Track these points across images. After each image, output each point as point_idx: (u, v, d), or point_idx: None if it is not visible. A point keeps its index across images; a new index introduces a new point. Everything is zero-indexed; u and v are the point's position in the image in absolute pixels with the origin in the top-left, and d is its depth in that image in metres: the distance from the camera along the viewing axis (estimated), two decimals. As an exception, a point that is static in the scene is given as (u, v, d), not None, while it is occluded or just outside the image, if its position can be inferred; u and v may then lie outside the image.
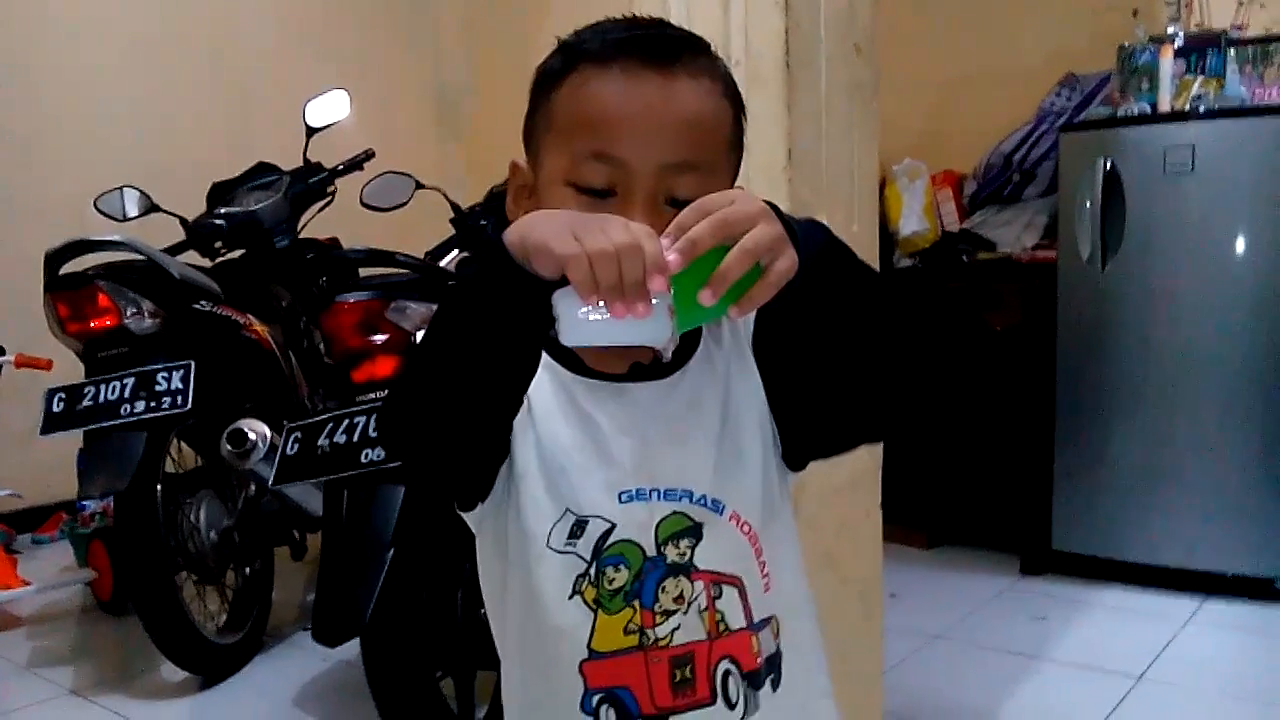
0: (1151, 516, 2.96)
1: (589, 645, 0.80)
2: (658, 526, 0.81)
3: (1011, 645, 2.62)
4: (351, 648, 1.99)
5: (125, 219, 2.81)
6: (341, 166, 2.90)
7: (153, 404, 2.32)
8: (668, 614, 0.80)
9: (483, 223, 2.55)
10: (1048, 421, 3.10)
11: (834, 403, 0.82)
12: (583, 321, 0.69)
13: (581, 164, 0.79)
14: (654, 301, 0.68)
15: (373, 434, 1.89)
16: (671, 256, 0.68)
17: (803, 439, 0.86)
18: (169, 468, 2.54)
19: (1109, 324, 2.99)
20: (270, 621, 2.76)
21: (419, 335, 1.96)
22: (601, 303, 0.68)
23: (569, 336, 0.70)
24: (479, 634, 1.96)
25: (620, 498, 0.81)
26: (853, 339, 0.76)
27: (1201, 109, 2.92)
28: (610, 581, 0.80)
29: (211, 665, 2.52)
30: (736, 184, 0.86)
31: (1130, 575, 2.98)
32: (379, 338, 1.95)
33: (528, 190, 0.86)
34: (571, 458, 0.81)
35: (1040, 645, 2.62)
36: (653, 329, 0.69)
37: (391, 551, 1.85)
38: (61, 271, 2.43)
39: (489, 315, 0.72)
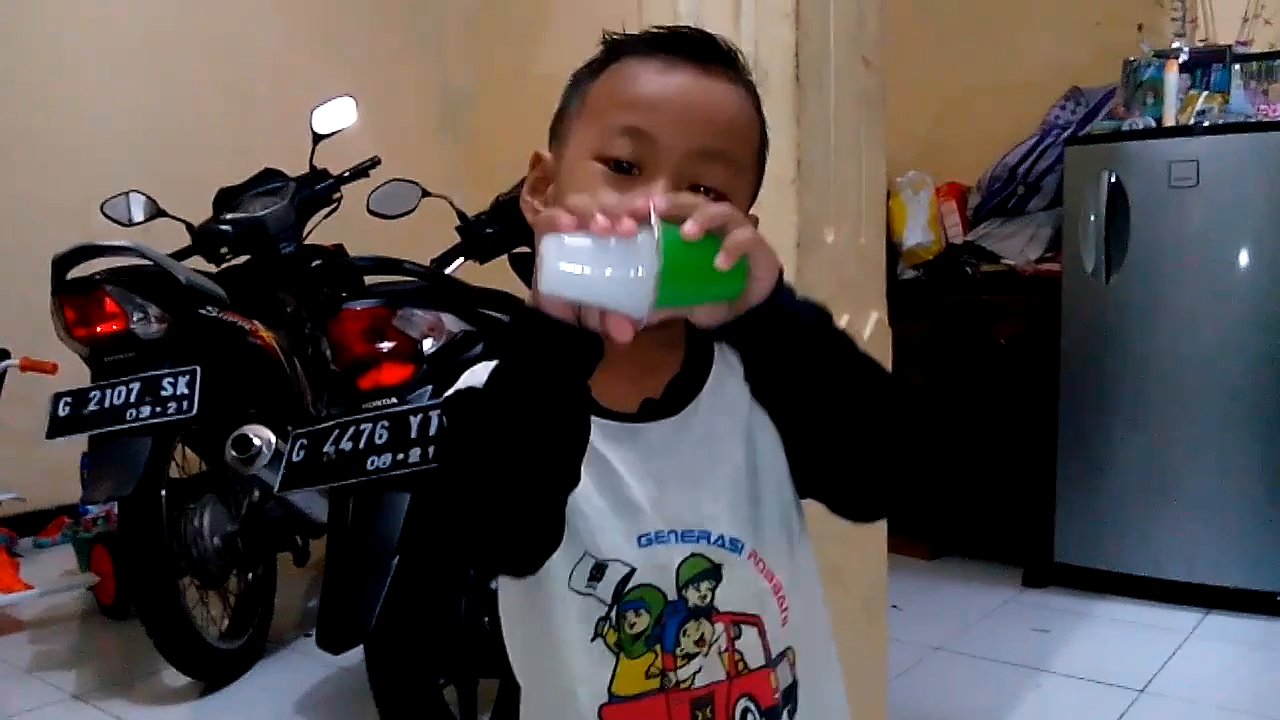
0: (1154, 530, 2.96)
1: (609, 689, 0.79)
2: (678, 569, 0.80)
3: (1014, 657, 2.62)
4: (354, 654, 1.99)
5: (131, 224, 2.82)
6: (348, 173, 2.90)
7: (158, 409, 2.32)
8: (689, 657, 0.80)
9: (489, 230, 2.56)
10: (1051, 434, 3.11)
11: (816, 461, 0.81)
12: (562, 259, 0.65)
13: (611, 138, 0.78)
14: (639, 238, 0.65)
15: (379, 441, 1.89)
16: (658, 199, 0.67)
17: (799, 474, 0.85)
18: (173, 473, 2.55)
19: (1112, 337, 2.99)
20: (273, 627, 2.75)
21: (426, 344, 1.96)
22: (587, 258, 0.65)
23: (547, 275, 0.65)
24: (482, 642, 1.96)
25: (639, 541, 0.80)
26: (841, 409, 0.76)
27: (1206, 124, 2.93)
28: (631, 626, 0.79)
29: (213, 670, 2.52)
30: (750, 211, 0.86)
31: (1133, 588, 2.98)
32: (386, 345, 1.95)
33: (546, 181, 0.85)
34: (589, 501, 0.79)
35: (1042, 657, 2.61)
36: (636, 285, 0.65)
37: (396, 559, 1.85)
38: (68, 276, 2.44)
39: (526, 380, 0.70)
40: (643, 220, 0.66)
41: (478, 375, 0.84)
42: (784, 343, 0.73)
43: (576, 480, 0.74)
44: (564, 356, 0.69)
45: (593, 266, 0.65)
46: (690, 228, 0.66)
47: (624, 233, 0.65)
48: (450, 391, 0.83)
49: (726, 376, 0.85)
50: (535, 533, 0.74)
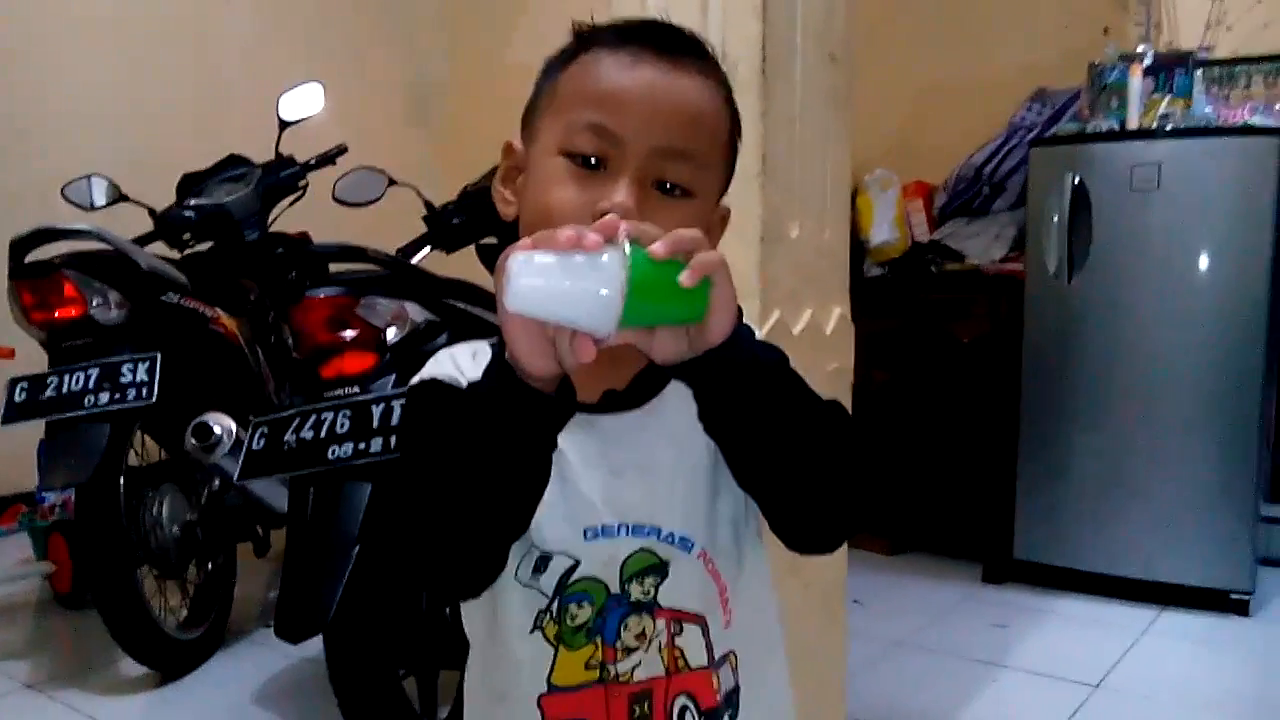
0: (1111, 528, 3.00)
1: (549, 679, 0.80)
2: (623, 564, 0.80)
3: (972, 652, 2.65)
4: (313, 645, 1.98)
5: (92, 208, 2.77)
6: (314, 161, 2.87)
7: (117, 395, 2.29)
8: (629, 651, 0.80)
9: (455, 220, 2.54)
10: (1012, 431, 3.14)
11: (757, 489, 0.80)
12: (528, 275, 0.64)
13: (577, 134, 0.78)
14: (604, 256, 0.65)
15: (340, 430, 1.88)
16: (623, 223, 0.67)
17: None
18: (132, 460, 2.51)
19: (1074, 336, 3.03)
20: (232, 618, 2.73)
21: (389, 333, 1.95)
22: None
23: (513, 292, 0.65)
24: (442, 632, 1.96)
25: (585, 534, 0.80)
26: (783, 447, 0.75)
27: (1169, 127, 2.96)
28: (573, 618, 0.79)
29: (171, 661, 2.50)
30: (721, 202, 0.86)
31: (1090, 585, 3.02)
32: (349, 333, 1.94)
33: (517, 171, 0.85)
34: None
35: (1000, 653, 2.64)
36: (602, 303, 0.65)
37: (356, 549, 1.84)
38: (27, 259, 2.40)
39: (492, 437, 0.70)
40: (609, 240, 0.66)
41: (441, 364, 0.83)
42: (743, 383, 0.72)
43: (525, 528, 0.74)
44: (535, 420, 0.69)
45: (559, 283, 0.65)
46: (659, 248, 0.66)
47: (589, 247, 0.65)
48: (415, 380, 0.82)
49: None
50: (477, 566, 0.75)
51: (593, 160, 0.78)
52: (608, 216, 0.67)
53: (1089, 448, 3.03)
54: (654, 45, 0.80)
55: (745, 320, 0.73)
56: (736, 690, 0.84)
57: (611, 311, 0.65)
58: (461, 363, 0.83)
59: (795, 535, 0.81)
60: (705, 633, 0.82)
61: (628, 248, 0.66)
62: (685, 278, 0.66)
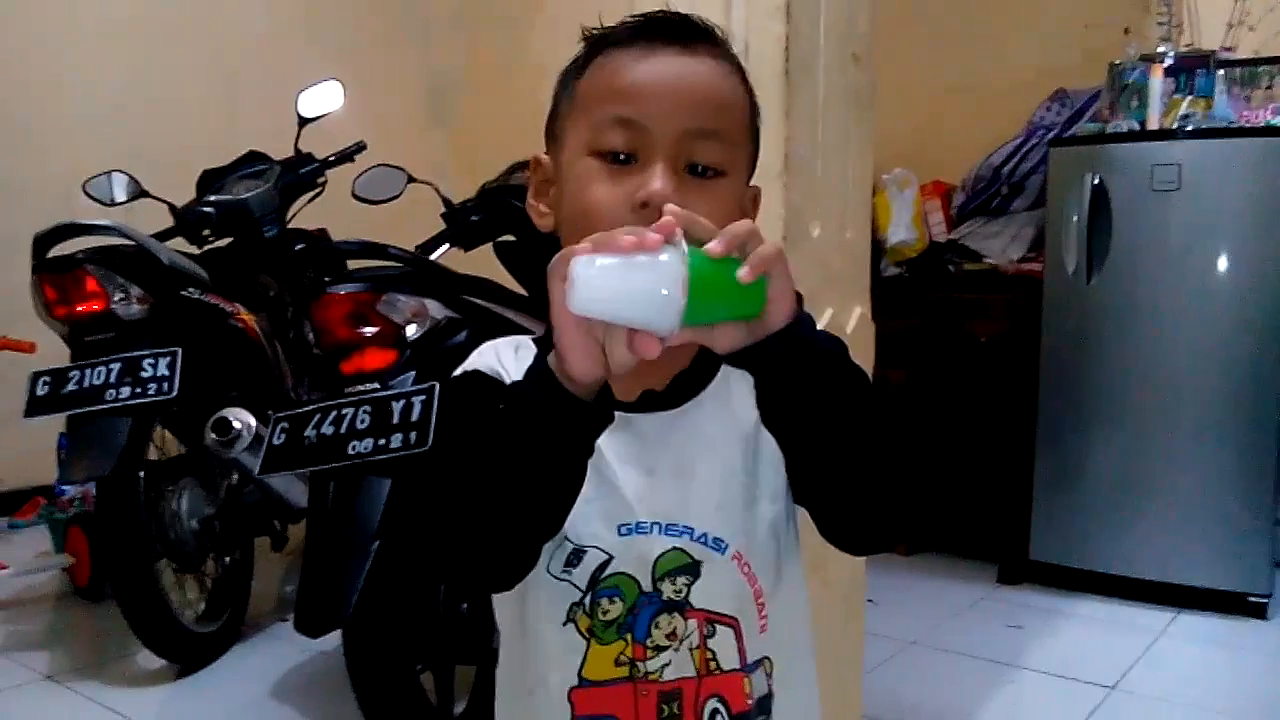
0: (1128, 529, 2.99)
1: (580, 673, 0.80)
2: (655, 562, 0.80)
3: (987, 653, 2.64)
4: (332, 639, 1.99)
5: (113, 203, 2.79)
6: (333, 158, 2.88)
7: (138, 390, 2.31)
8: (659, 649, 0.80)
9: (474, 218, 2.55)
10: (1029, 432, 3.13)
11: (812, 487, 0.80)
12: (593, 278, 0.65)
13: (603, 131, 0.78)
14: (664, 255, 0.65)
15: (360, 426, 1.88)
16: (679, 222, 0.67)
17: (798, 493, 0.84)
18: (152, 454, 2.53)
19: (1092, 337, 3.02)
20: (249, 612, 2.75)
21: (409, 329, 1.96)
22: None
23: (578, 294, 0.65)
24: (460, 628, 1.96)
25: (619, 530, 0.80)
26: (838, 438, 0.74)
27: (1189, 128, 2.95)
28: (604, 613, 0.80)
29: (189, 653, 2.52)
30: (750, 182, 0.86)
31: (1106, 587, 3.01)
32: (369, 330, 1.95)
33: (549, 184, 0.85)
34: None
35: (1016, 653, 2.64)
36: (664, 303, 0.65)
37: (376, 544, 1.85)
38: (49, 254, 2.42)
39: (530, 443, 0.70)
40: (667, 240, 0.66)
41: (485, 356, 0.84)
42: (801, 370, 0.71)
43: (559, 529, 0.75)
44: (573, 426, 0.69)
45: (622, 284, 0.65)
46: (716, 246, 0.66)
47: (650, 247, 0.65)
48: (458, 371, 0.83)
49: (736, 380, 0.82)
50: (509, 563, 0.75)
51: (623, 155, 0.78)
52: (665, 218, 0.67)
53: (1106, 449, 3.02)
54: (665, 35, 0.81)
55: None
56: (769, 697, 0.83)
57: (674, 310, 0.66)
58: (504, 357, 0.83)
59: (848, 533, 0.80)
60: (738, 636, 0.82)
61: (685, 246, 0.66)
62: (744, 274, 0.67)
